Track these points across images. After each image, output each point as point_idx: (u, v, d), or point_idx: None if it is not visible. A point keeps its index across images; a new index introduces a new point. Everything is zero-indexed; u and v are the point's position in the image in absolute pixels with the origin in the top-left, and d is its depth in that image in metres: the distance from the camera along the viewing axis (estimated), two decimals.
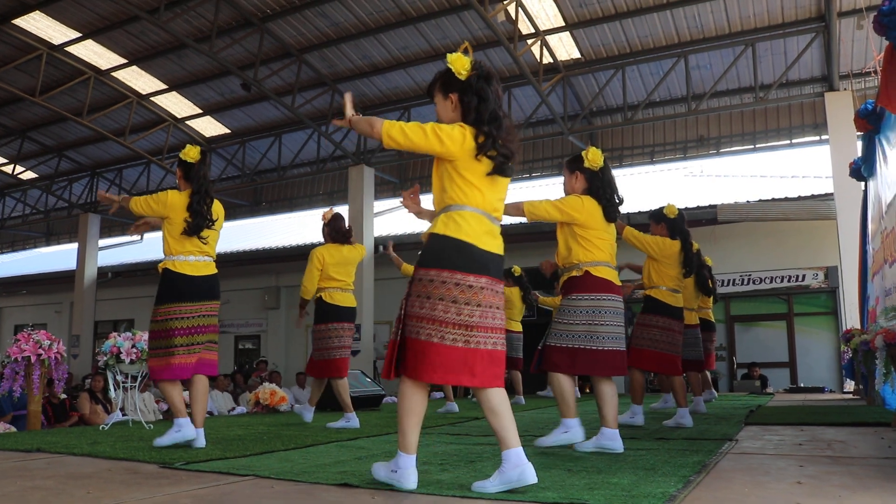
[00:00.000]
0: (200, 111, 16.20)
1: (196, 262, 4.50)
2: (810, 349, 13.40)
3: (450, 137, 2.88)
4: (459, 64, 2.96)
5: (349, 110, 3.12)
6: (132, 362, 5.84)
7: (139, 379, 6.10)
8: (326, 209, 6.47)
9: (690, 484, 2.97)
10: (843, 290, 11.50)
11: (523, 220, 4.76)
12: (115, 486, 3.02)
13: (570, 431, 4.14)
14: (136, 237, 21.51)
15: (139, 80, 14.98)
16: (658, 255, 5.68)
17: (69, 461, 3.85)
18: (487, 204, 2.98)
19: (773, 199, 12.96)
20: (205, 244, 4.53)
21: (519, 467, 2.78)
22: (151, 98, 15.59)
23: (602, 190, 4.23)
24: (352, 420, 5.96)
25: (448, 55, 3.01)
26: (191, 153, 4.57)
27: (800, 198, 12.89)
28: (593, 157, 4.26)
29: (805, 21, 11.52)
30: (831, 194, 11.72)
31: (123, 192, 19.43)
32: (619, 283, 4.24)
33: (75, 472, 3.42)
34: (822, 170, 13.21)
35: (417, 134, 2.88)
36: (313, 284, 6.11)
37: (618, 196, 4.29)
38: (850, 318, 10.71)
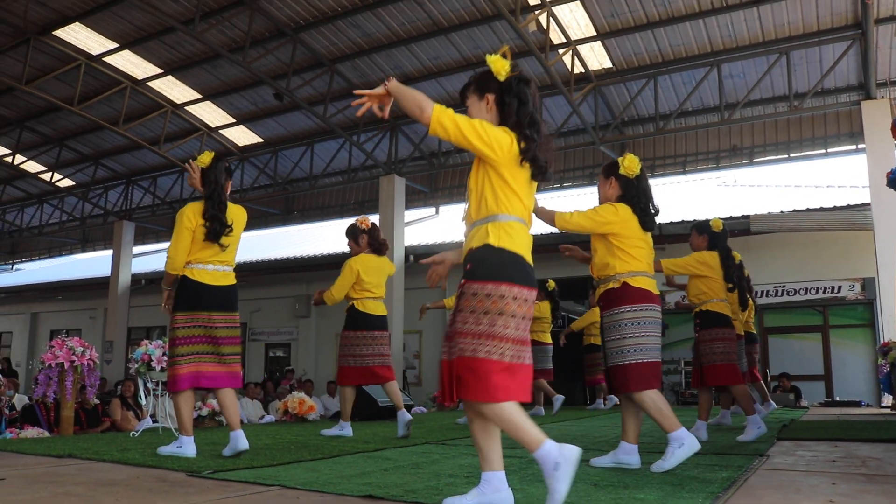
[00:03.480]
0: (234, 120, 16.38)
1: (214, 272, 4.46)
2: (846, 362, 13.17)
3: (497, 140, 2.77)
4: (499, 65, 2.88)
5: (391, 83, 2.84)
6: (163, 370, 5.90)
7: None
8: (361, 217, 6.47)
9: (718, 501, 2.92)
10: (881, 301, 11.30)
11: (554, 230, 4.62)
12: (142, 494, 3.05)
13: (685, 442, 3.82)
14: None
15: (174, 89, 15.21)
16: (704, 271, 5.68)
17: (99, 467, 3.90)
18: (526, 213, 2.88)
19: (808, 210, 12.79)
20: (223, 251, 4.48)
21: (501, 492, 2.67)
22: (186, 107, 15.81)
23: (637, 198, 4.06)
24: (346, 429, 5.98)
25: (487, 56, 2.93)
26: (203, 158, 4.55)
27: (835, 208, 12.70)
28: (629, 164, 4.12)
29: (841, 28, 11.35)
30: (868, 204, 11.54)
31: (157, 199, 19.72)
32: (658, 293, 4.07)
33: (104, 479, 3.46)
34: (858, 179, 13.01)
35: (468, 128, 2.74)
36: (341, 295, 6.12)
37: (653, 206, 4.13)
38: (888, 330, 10.52)
